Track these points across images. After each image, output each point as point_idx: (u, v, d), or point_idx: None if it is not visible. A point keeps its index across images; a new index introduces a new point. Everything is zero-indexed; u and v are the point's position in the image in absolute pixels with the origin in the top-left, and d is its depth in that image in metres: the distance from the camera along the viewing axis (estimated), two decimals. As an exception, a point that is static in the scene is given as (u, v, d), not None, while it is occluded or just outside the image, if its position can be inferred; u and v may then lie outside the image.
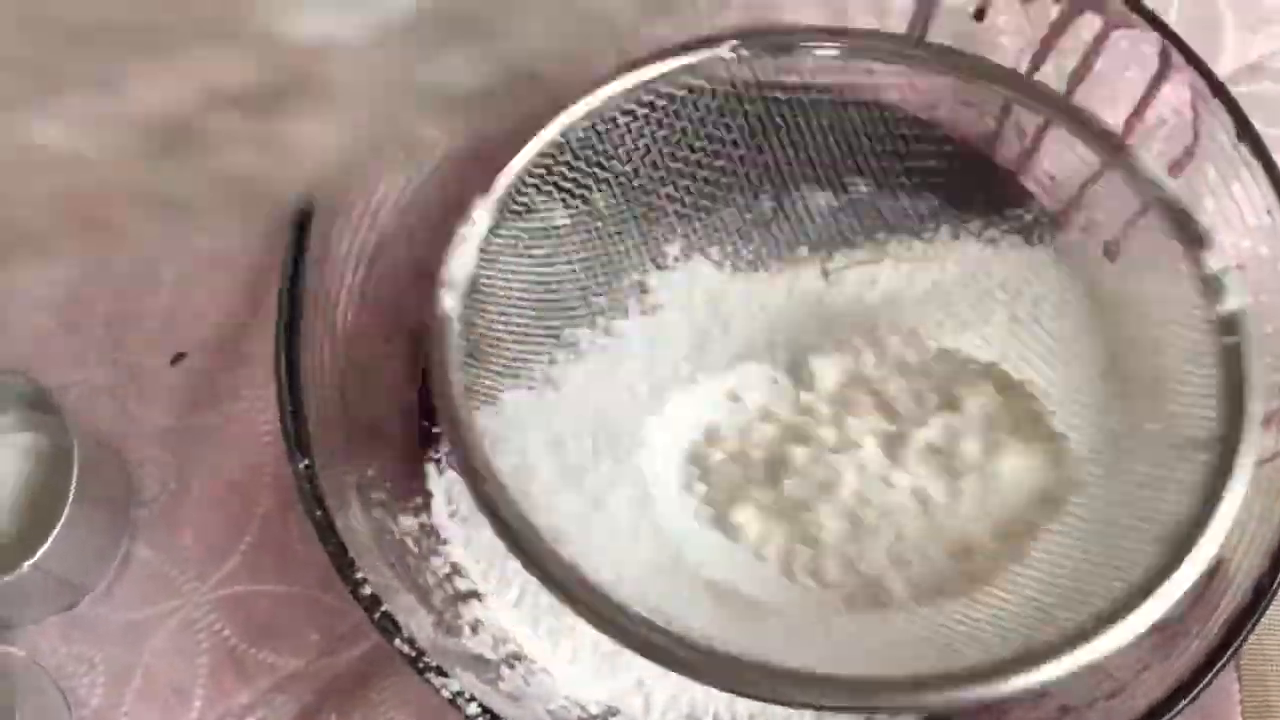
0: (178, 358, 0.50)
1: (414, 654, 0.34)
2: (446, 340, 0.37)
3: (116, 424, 0.49)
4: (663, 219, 0.44)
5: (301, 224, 0.39)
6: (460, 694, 0.34)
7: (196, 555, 0.47)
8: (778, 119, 0.45)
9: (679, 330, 0.44)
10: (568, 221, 0.42)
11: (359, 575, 0.35)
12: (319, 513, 0.36)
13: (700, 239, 0.45)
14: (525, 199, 0.41)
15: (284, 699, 0.45)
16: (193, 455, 0.48)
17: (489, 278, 0.40)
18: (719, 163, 0.44)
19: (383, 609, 0.35)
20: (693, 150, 0.44)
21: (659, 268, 0.45)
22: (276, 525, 0.47)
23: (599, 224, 0.43)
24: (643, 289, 0.45)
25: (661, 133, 0.42)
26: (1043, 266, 0.47)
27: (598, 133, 0.42)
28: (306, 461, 0.36)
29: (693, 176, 0.44)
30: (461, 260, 0.38)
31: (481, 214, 0.39)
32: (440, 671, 0.34)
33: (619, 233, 0.43)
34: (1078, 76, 0.45)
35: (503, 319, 0.41)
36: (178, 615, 0.46)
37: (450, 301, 0.37)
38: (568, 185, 0.42)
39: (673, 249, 0.45)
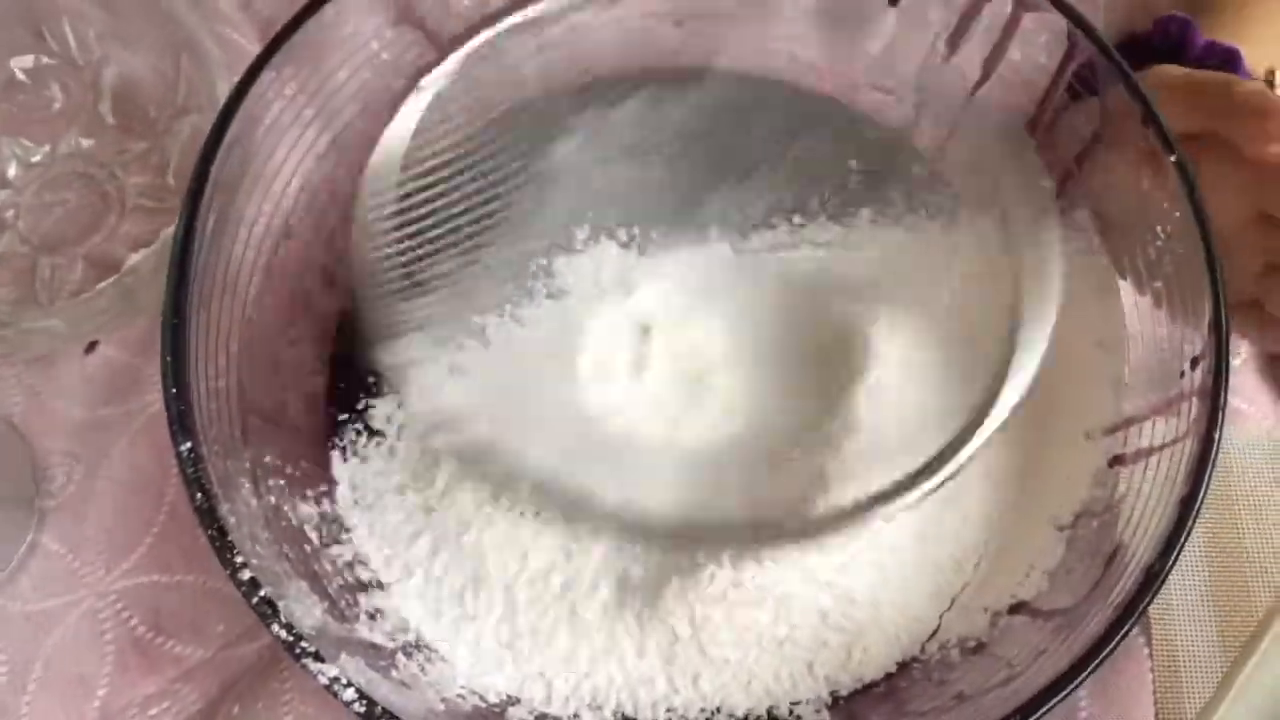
0: (91, 347, 0.50)
1: (291, 639, 0.34)
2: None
3: (27, 413, 0.49)
4: (570, 200, 0.43)
5: (195, 194, 0.38)
6: (337, 679, 0.34)
7: (103, 546, 0.46)
8: (691, 99, 0.45)
9: (585, 314, 0.44)
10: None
11: (238, 559, 0.34)
12: (199, 496, 0.35)
13: (608, 221, 0.45)
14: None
15: (189, 688, 0.44)
16: (103, 446, 0.48)
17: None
18: (625, 141, 0.43)
19: (261, 593, 0.34)
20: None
21: (566, 251, 0.44)
22: (184, 516, 0.46)
23: (500, 204, 0.42)
24: (548, 273, 0.44)
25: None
26: (958, 252, 0.47)
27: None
28: (189, 443, 0.36)
29: (601, 159, 0.44)
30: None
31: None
32: (317, 657, 0.34)
33: (523, 215, 0.43)
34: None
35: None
36: (82, 605, 0.46)
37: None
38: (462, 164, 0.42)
39: (580, 232, 0.44)
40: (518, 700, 0.41)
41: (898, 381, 0.42)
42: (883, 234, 0.47)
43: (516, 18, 0.40)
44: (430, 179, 0.40)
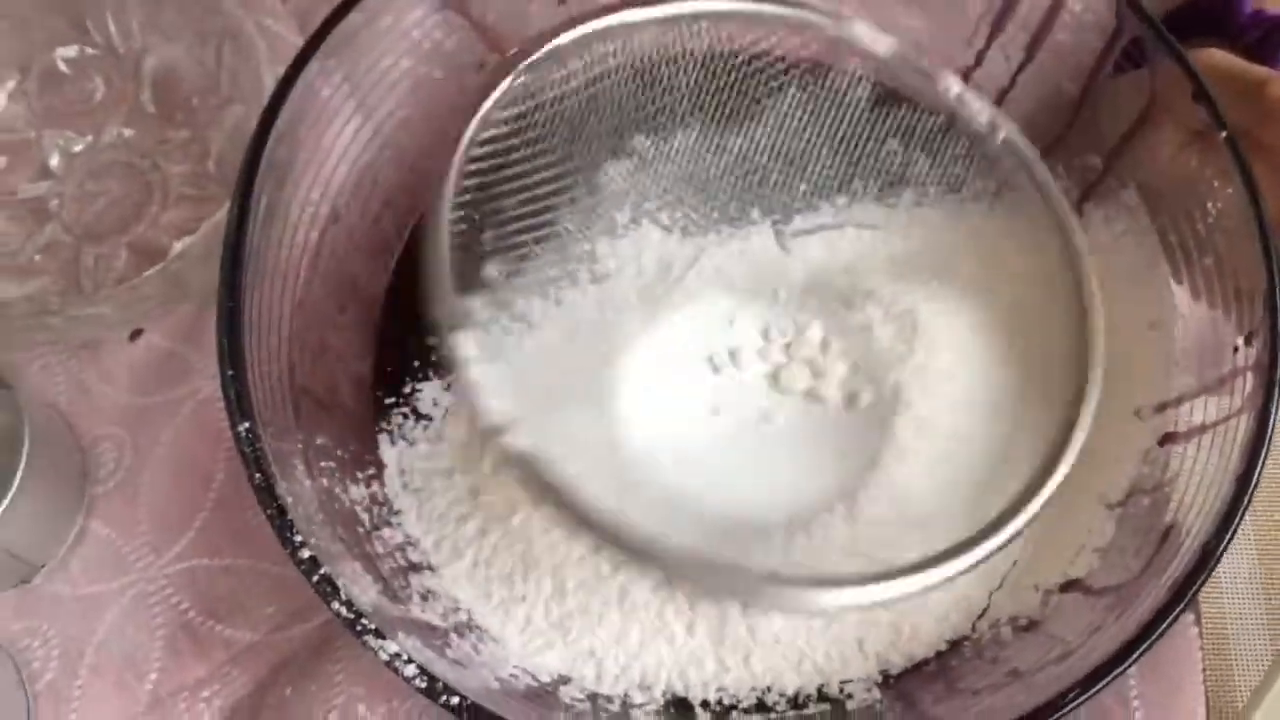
0: (136, 334, 0.50)
1: (352, 616, 0.34)
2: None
3: (74, 401, 0.49)
4: (610, 185, 0.44)
5: (247, 182, 0.38)
6: (398, 655, 0.34)
7: (152, 531, 0.47)
8: (733, 83, 0.45)
9: (630, 297, 0.44)
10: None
11: (298, 538, 0.35)
12: (259, 475, 0.35)
13: (649, 204, 0.45)
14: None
15: (239, 671, 0.45)
16: (150, 432, 0.48)
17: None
18: (667, 125, 0.43)
19: (322, 571, 0.35)
20: (639, 112, 0.43)
21: (608, 235, 0.45)
22: (232, 501, 0.47)
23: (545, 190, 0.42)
24: (592, 257, 0.45)
25: (607, 95, 0.42)
26: (1004, 233, 0.47)
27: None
28: (247, 424, 0.36)
29: (644, 134, 0.44)
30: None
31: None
32: (378, 634, 0.34)
33: (568, 200, 0.43)
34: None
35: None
36: (133, 590, 0.46)
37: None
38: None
39: (622, 216, 0.45)
40: (569, 679, 0.41)
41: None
42: (927, 215, 0.47)
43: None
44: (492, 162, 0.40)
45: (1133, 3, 0.41)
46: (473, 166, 0.37)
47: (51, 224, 0.52)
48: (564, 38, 0.39)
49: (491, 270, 0.40)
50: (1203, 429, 0.39)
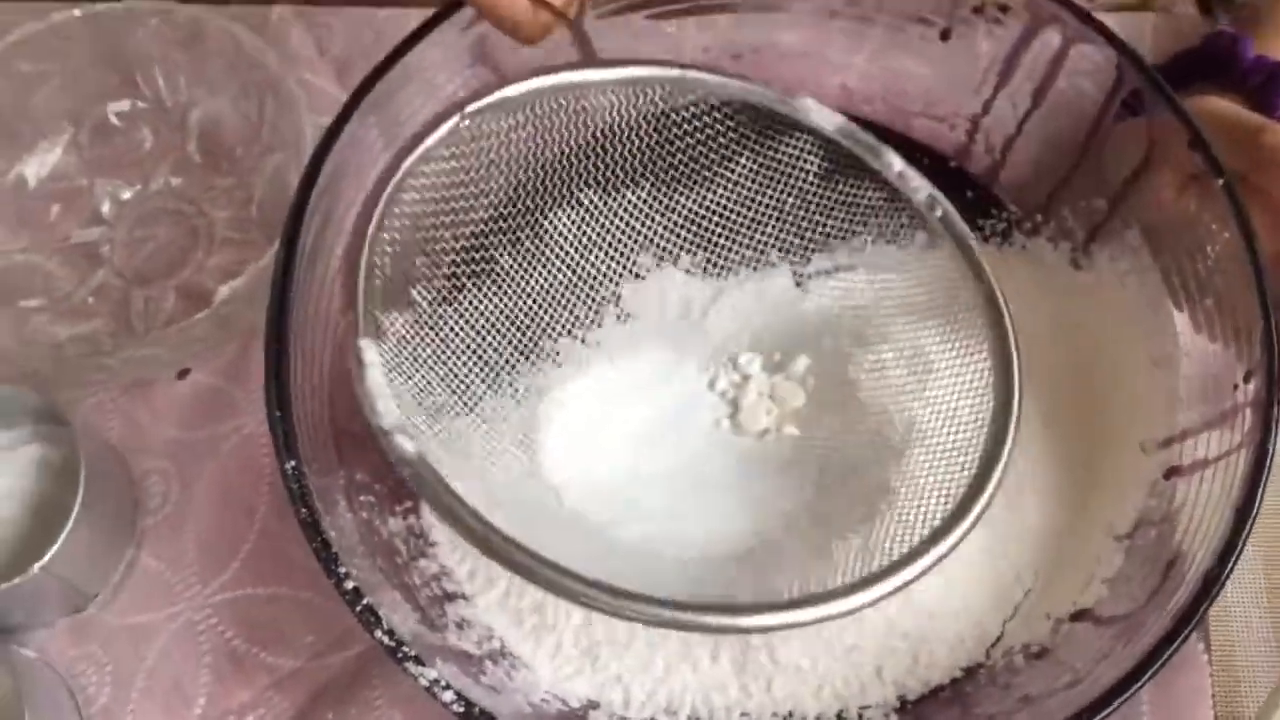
0: (183, 373, 0.52)
1: (393, 644, 0.36)
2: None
3: (125, 437, 0.51)
4: (633, 230, 0.46)
5: (293, 232, 0.40)
6: (437, 682, 0.36)
7: (199, 561, 0.49)
8: (749, 130, 0.47)
9: (653, 336, 0.46)
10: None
11: (342, 570, 0.37)
12: (304, 510, 0.37)
13: (672, 247, 0.47)
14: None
15: (281, 697, 0.47)
16: (196, 466, 0.51)
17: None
18: (686, 171, 0.45)
19: (365, 601, 0.36)
20: (664, 160, 0.45)
21: (633, 277, 0.47)
22: (275, 532, 0.49)
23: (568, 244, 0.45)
24: (617, 299, 0.47)
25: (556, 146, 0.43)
26: (1013, 273, 0.49)
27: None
28: (294, 462, 0.38)
29: (662, 185, 0.46)
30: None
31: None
32: (418, 661, 0.36)
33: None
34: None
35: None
36: (181, 618, 0.48)
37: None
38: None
39: (645, 259, 0.47)
40: (598, 705, 0.42)
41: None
42: (937, 258, 0.49)
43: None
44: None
45: (1132, 56, 0.43)
46: (414, 195, 0.39)
47: (103, 268, 0.55)
48: (513, 89, 0.40)
49: (417, 294, 0.42)
50: (1205, 463, 0.40)
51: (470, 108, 0.40)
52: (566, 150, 0.43)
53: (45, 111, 0.55)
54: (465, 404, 0.42)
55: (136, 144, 0.57)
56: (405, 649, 0.36)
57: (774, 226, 0.46)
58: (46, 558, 0.43)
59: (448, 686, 0.36)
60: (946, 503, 0.38)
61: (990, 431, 0.39)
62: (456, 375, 0.42)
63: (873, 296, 0.47)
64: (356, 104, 0.43)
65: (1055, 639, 0.42)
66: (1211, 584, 0.36)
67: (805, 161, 0.45)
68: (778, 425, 0.47)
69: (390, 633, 0.36)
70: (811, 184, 0.45)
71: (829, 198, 0.45)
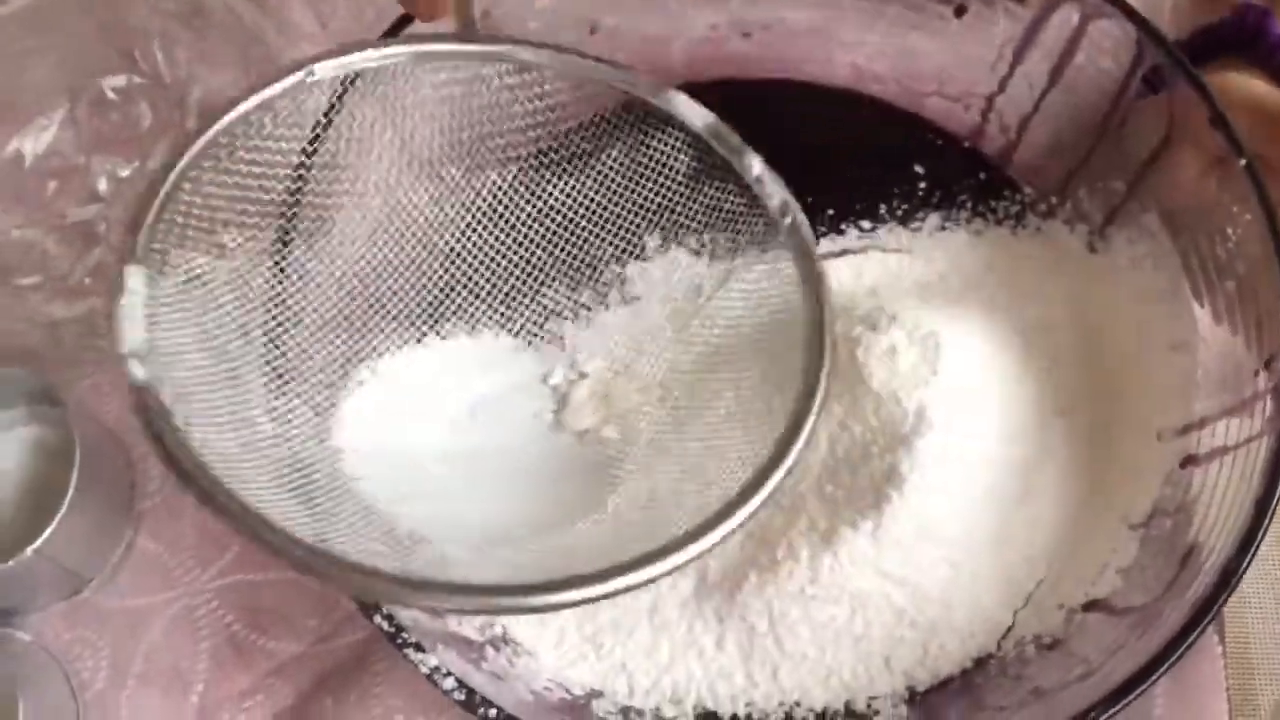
0: (182, 353, 0.52)
1: (394, 630, 0.35)
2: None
3: (123, 418, 0.51)
4: (637, 211, 0.45)
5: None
6: (437, 669, 0.35)
7: (198, 545, 0.48)
8: (755, 107, 0.46)
9: (659, 317, 0.45)
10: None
11: (341, 556, 0.36)
12: (303, 495, 0.37)
13: (678, 229, 0.46)
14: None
15: (282, 683, 0.46)
16: (195, 448, 0.50)
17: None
18: (692, 149, 0.44)
19: (364, 588, 0.36)
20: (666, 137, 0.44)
21: (638, 259, 0.46)
22: (275, 515, 0.48)
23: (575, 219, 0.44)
24: (622, 280, 0.46)
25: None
26: (1028, 256, 0.48)
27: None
28: (292, 448, 0.37)
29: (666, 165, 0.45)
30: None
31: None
32: (418, 647, 0.35)
33: (598, 226, 0.44)
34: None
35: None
36: (179, 602, 0.47)
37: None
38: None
39: (651, 240, 0.46)
40: (601, 693, 0.42)
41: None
42: (950, 239, 0.48)
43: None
44: None
45: (1152, 30, 0.42)
46: (256, 143, 0.38)
47: (99, 247, 0.54)
48: (359, 55, 0.39)
49: (225, 237, 0.39)
50: (1224, 451, 0.39)
51: (317, 65, 0.38)
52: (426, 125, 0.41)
53: (41, 86, 0.54)
54: (258, 354, 0.39)
55: (134, 120, 0.56)
56: (405, 635, 0.35)
57: (637, 223, 0.45)
58: (40, 540, 0.43)
59: (449, 673, 0.35)
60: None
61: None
62: (256, 325, 0.39)
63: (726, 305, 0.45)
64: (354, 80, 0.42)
65: (1068, 630, 0.41)
66: (1230, 575, 0.36)
67: (675, 160, 0.43)
68: (599, 426, 0.45)
69: (390, 618, 0.36)
70: (680, 183, 0.43)
71: (695, 199, 0.43)
